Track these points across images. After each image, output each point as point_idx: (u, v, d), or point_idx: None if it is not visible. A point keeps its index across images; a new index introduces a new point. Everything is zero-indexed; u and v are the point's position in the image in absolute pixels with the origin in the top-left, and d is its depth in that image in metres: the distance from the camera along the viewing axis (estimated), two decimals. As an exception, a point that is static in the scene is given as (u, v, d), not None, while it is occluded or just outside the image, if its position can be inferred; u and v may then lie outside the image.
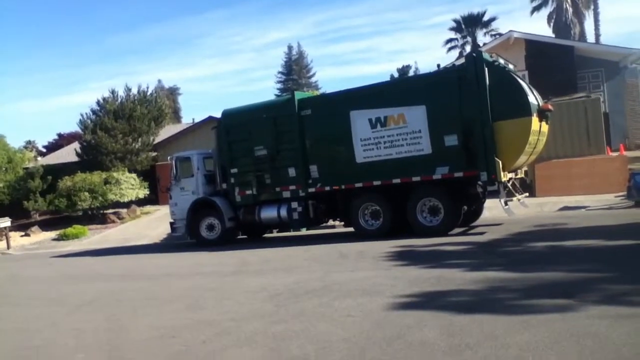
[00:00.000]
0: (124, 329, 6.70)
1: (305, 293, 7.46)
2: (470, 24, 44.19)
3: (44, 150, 46.97)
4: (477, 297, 6.30)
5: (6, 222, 20.44)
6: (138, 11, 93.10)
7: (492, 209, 13.88)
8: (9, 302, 9.69)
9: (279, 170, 14.19)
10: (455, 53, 44.52)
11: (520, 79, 13.03)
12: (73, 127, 55.70)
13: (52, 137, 51.70)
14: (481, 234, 11.93)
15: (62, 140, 44.32)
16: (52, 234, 22.59)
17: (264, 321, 6.24)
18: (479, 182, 12.21)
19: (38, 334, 6.90)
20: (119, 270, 12.80)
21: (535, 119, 11.98)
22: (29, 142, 51.84)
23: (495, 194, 12.10)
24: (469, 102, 11.98)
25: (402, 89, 13.97)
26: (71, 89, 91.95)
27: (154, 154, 27.99)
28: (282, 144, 14.16)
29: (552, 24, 38.76)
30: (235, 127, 14.86)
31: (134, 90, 29.17)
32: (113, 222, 23.66)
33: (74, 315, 7.89)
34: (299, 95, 14.74)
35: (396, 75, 56.70)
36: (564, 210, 14.67)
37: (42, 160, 33.53)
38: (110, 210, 24.57)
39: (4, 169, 29.26)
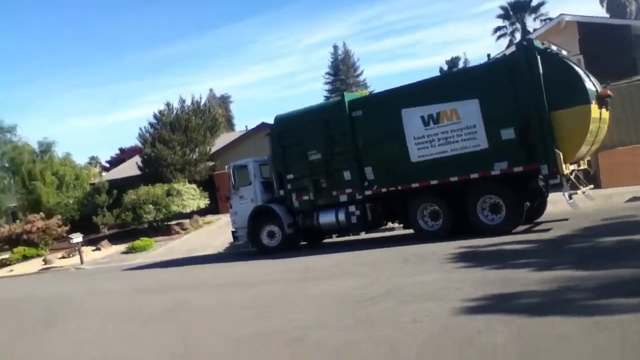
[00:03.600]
0: (195, 340, 6.93)
1: (370, 299, 7.51)
2: (519, 10, 43.02)
3: (107, 165, 48.93)
4: (546, 298, 6.17)
5: (79, 237, 21.45)
6: (185, 22, 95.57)
7: (556, 203, 13.41)
8: (86, 315, 10.21)
9: (334, 173, 14.27)
10: (504, 41, 43.50)
11: (576, 65, 12.56)
12: (133, 141, 57.82)
13: (114, 151, 53.71)
14: (546, 230, 11.61)
15: (123, 155, 46.06)
16: (121, 247, 23.54)
17: (330, 329, 6.34)
18: (540, 176, 11.79)
19: (115, 344, 7.26)
20: (186, 281, 13.22)
21: (594, 106, 11.56)
22: (92, 158, 54.16)
23: (558, 188, 11.72)
24: (523, 93, 11.70)
25: (453, 83, 13.79)
26: (129, 102, 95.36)
27: (212, 163, 28.70)
28: (335, 146, 14.21)
29: (605, 4, 37.28)
30: (288, 133, 15.04)
31: (188, 102, 30.03)
32: (177, 233, 24.41)
33: (148, 327, 8.24)
34: (348, 96, 14.76)
35: (445, 67, 55.73)
36: (634, 201, 14.04)
37: (106, 175, 34.96)
38: (174, 222, 25.38)
39: (72, 185, 30.75)
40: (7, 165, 32.15)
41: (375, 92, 21.39)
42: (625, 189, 15.28)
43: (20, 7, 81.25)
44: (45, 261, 23.25)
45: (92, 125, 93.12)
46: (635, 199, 14.29)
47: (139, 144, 31.32)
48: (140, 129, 29.65)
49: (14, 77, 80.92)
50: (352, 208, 14.01)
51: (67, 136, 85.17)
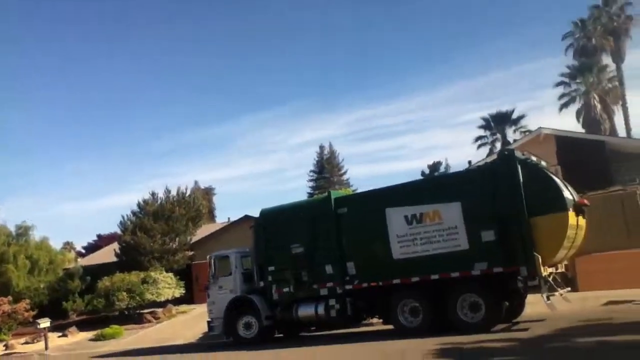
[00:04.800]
0: None
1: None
2: (500, 121, 45.07)
3: (83, 250, 48.06)
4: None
5: (46, 322, 20.72)
6: (177, 117, 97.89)
7: (534, 304, 13.51)
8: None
9: (316, 267, 14.33)
10: (485, 150, 45.11)
11: (554, 174, 13.27)
12: (112, 228, 57.15)
13: (90, 238, 52.94)
14: (525, 330, 11.66)
15: (101, 242, 45.37)
16: (89, 334, 22.67)
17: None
18: (519, 277, 12.03)
19: None
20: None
21: (572, 214, 12.06)
22: (67, 243, 53.19)
23: (536, 289, 11.90)
24: (503, 199, 12.18)
25: (437, 185, 14.37)
26: (111, 190, 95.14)
27: (191, 253, 28.46)
28: (319, 241, 14.39)
29: (581, 120, 39.36)
30: (273, 226, 15.26)
31: (173, 192, 30.23)
32: (149, 321, 23.72)
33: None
34: (335, 194, 15.19)
35: (427, 171, 57.21)
36: (609, 305, 14.21)
37: (82, 261, 34.32)
38: (147, 310, 24.70)
39: (45, 270, 30.02)
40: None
41: (357, 191, 21.91)
42: (601, 293, 15.49)
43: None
44: (7, 346, 22.21)
45: (72, 211, 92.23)
46: (610, 302, 14.45)
47: (118, 231, 31.04)
48: (122, 217, 29.52)
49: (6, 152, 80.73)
50: (332, 302, 13.96)
51: (47, 220, 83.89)
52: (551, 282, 12.41)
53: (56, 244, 39.62)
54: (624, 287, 15.67)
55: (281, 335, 15.92)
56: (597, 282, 16.28)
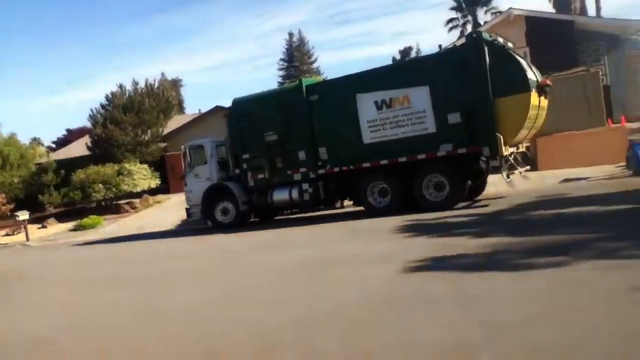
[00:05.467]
0: (156, 303, 7.25)
1: (322, 264, 8.05)
2: (471, 2, 44.40)
3: (54, 145, 47.62)
4: (481, 259, 6.84)
5: (25, 215, 21.13)
6: (135, 5, 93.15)
7: (495, 184, 14.40)
8: (43, 285, 10.30)
9: (289, 154, 14.78)
10: (456, 33, 44.76)
11: (519, 56, 13.49)
12: (80, 122, 56.31)
13: (58, 133, 52.26)
14: (485, 206, 12.51)
15: (71, 136, 44.97)
16: (69, 225, 23.24)
17: (284, 288, 6.83)
18: (482, 158, 12.61)
19: (81, 311, 7.49)
20: (142, 254, 13.43)
21: (534, 94, 12.46)
22: (34, 139, 52.48)
23: (498, 169, 12.59)
24: (470, 81, 12.48)
25: (406, 71, 14.55)
26: (75, 85, 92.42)
27: (164, 144, 28.60)
28: (291, 128, 14.71)
29: (552, -1, 38.82)
30: (246, 115, 15.44)
31: (141, 84, 29.73)
32: (127, 211, 24.31)
33: (113, 293, 8.43)
34: (306, 81, 15.26)
35: (398, 57, 56.88)
36: (566, 182, 15.16)
37: (53, 156, 34.12)
38: (124, 201, 25.27)
39: (17, 165, 29.94)
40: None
41: (328, 78, 21.91)
42: (560, 171, 16.43)
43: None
44: (-12, 239, 22.76)
45: (36, 107, 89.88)
46: (567, 180, 15.44)
47: (88, 126, 30.78)
48: (92, 110, 29.20)
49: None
50: (305, 186, 14.55)
51: (10, 116, 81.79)
52: (512, 161, 13.10)
53: (23, 141, 39.18)
54: (582, 166, 16.59)
55: (257, 219, 16.70)
56: (557, 161, 17.18)
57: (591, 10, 38.09)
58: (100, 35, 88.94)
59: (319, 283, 6.86)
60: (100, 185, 23.94)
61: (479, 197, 14.23)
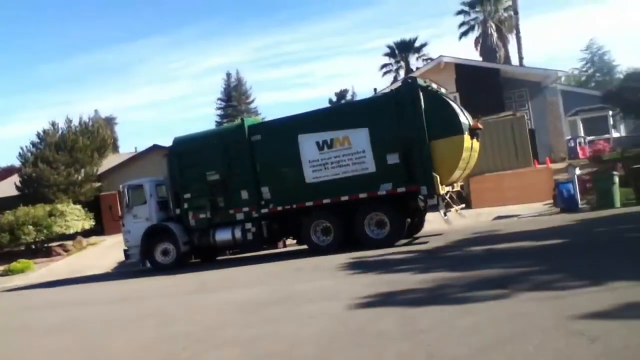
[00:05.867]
0: (103, 346, 7.05)
1: (270, 303, 8.08)
2: (404, 49, 46.39)
3: (-23, 185, 45.17)
4: (425, 293, 7.12)
5: (-53, 259, 19.86)
6: (70, 38, 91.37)
7: (432, 222, 14.92)
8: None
9: (231, 193, 14.76)
10: (390, 77, 46.50)
11: (452, 101, 14.31)
12: (8, 160, 53.82)
13: (-18, 171, 49.67)
14: (424, 243, 12.95)
15: (-4, 175, 42.84)
16: (-4, 269, 21.99)
17: (236, 328, 6.82)
18: (420, 196, 13.11)
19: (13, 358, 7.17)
20: (77, 298, 12.89)
21: (467, 137, 13.18)
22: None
23: (435, 208, 13.11)
24: (406, 124, 13.06)
25: (346, 113, 15.02)
26: (2, 119, 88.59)
27: (98, 184, 27.82)
28: (233, 168, 14.75)
29: (479, 48, 41.23)
30: (187, 154, 15.36)
31: (75, 122, 29.03)
32: (59, 254, 23.27)
33: (46, 339, 8.12)
34: (248, 121, 15.46)
35: (334, 99, 58.32)
36: (498, 219, 15.94)
37: (-22, 196, 32.44)
38: (55, 243, 24.16)
39: (-64, 205, 28.23)
40: None
41: (266, 119, 22.23)
42: (492, 209, 17.28)
43: None
44: None
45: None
46: (499, 217, 16.28)
47: (15, 164, 29.63)
48: (21, 148, 28.17)
49: None
50: (248, 225, 14.53)
51: None
52: (448, 199, 13.69)
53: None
54: (512, 204, 17.50)
55: (198, 260, 16.45)
56: (489, 199, 18.04)
57: (515, 59, 40.75)
58: (25, 69, 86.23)
59: (270, 322, 6.89)
60: (31, 227, 22.84)
61: (418, 234, 14.68)
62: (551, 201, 16.74)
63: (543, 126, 25.36)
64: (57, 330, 8.74)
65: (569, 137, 27.63)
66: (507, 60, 39.94)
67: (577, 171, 16.74)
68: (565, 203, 15.66)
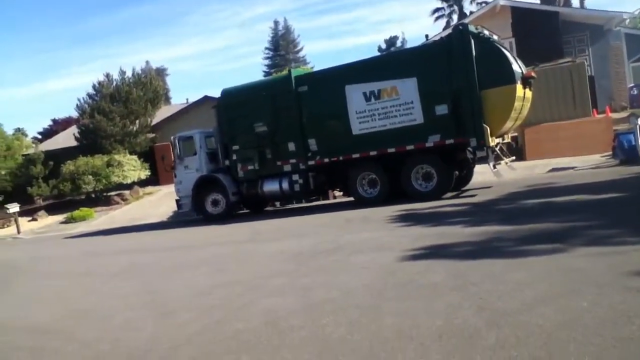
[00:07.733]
0: (166, 290, 7.41)
1: (321, 252, 8.24)
2: (457, -8, 44.59)
3: (39, 136, 47.12)
4: (476, 246, 7.08)
5: (15, 207, 21.07)
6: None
7: (482, 174, 14.65)
8: (42, 277, 10.40)
9: (279, 145, 14.87)
10: (442, 22, 45.08)
11: (505, 48, 13.71)
12: (66, 112, 55.60)
13: (43, 123, 51.70)
14: (473, 196, 12.77)
15: (56, 126, 44.52)
16: (59, 217, 23.21)
17: (288, 277, 7.01)
18: (469, 148, 12.86)
19: (82, 299, 7.63)
20: (136, 246, 13.51)
21: (519, 86, 12.71)
22: (18, 130, 51.83)
23: (484, 159, 12.85)
24: (457, 73, 12.70)
25: (394, 62, 14.62)
26: (58, 74, 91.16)
27: (152, 135, 28.55)
28: (281, 119, 14.80)
29: (538, -11, 39.09)
30: (235, 106, 15.47)
31: (129, 73, 29.65)
32: (117, 203, 24.29)
33: (109, 284, 8.61)
34: (295, 72, 15.37)
35: (384, 46, 57.04)
36: (553, 172, 15.48)
37: (40, 147, 33.90)
38: (114, 193, 25.22)
39: (2, 156, 29.70)
40: None
41: (315, 68, 22.05)
42: (547, 161, 16.77)
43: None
44: (-23, 232, 22.64)
45: (18, 97, 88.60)
46: (554, 169, 15.76)
47: (73, 116, 30.61)
48: (79, 100, 29.14)
49: None
50: (295, 177, 14.68)
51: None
52: (498, 152, 13.38)
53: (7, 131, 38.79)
54: (569, 155, 16.93)
55: (247, 211, 16.81)
56: (544, 150, 17.51)
57: (575, 2, 38.54)
58: (78, 21, 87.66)
59: (321, 271, 7.05)
60: (90, 177, 23.88)
61: (466, 187, 14.48)
62: (610, 153, 16.08)
63: (604, 73, 24.20)
64: (122, 275, 9.22)
65: (631, 85, 26.22)
66: (567, 2, 37.85)
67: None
68: (625, 155, 15.02)
